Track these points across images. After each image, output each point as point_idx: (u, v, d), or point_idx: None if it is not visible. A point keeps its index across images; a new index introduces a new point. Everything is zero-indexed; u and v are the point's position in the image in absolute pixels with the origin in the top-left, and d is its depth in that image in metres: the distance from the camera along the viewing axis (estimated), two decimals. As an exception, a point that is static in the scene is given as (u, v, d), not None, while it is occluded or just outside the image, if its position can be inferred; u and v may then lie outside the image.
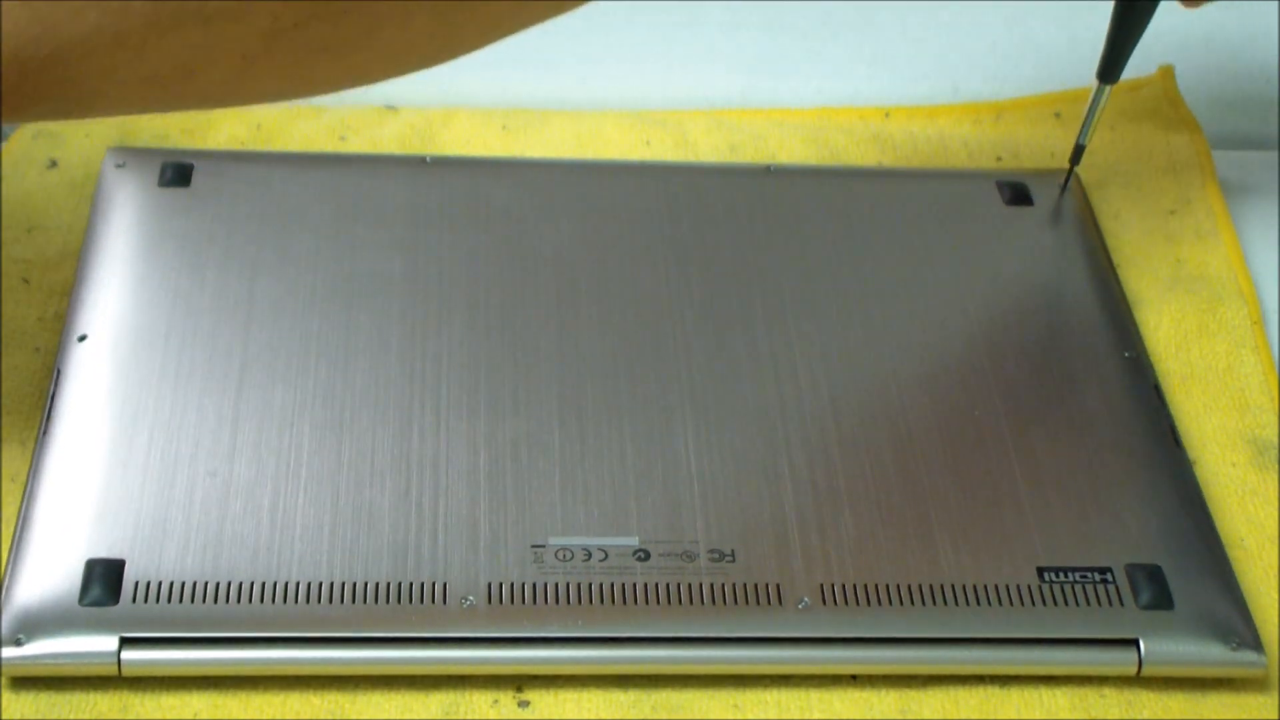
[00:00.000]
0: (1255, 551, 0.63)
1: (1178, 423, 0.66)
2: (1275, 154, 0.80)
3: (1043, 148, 0.79)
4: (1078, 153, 0.75)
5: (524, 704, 0.57)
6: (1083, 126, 0.74)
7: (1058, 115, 0.81)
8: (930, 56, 0.85)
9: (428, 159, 0.75)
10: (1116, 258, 0.74)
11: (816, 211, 0.73)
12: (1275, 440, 0.67)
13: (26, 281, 0.69)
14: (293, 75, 0.56)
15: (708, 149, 0.78)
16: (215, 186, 0.72)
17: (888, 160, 0.79)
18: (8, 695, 0.56)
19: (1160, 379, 0.68)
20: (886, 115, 0.81)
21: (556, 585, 0.58)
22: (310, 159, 0.75)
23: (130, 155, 0.73)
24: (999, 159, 0.79)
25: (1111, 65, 0.71)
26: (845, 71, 0.83)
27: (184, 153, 0.73)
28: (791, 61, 0.83)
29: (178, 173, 0.72)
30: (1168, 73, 0.82)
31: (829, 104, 0.82)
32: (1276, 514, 0.64)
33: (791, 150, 0.78)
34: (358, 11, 0.53)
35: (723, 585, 0.58)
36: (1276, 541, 0.63)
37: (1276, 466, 0.66)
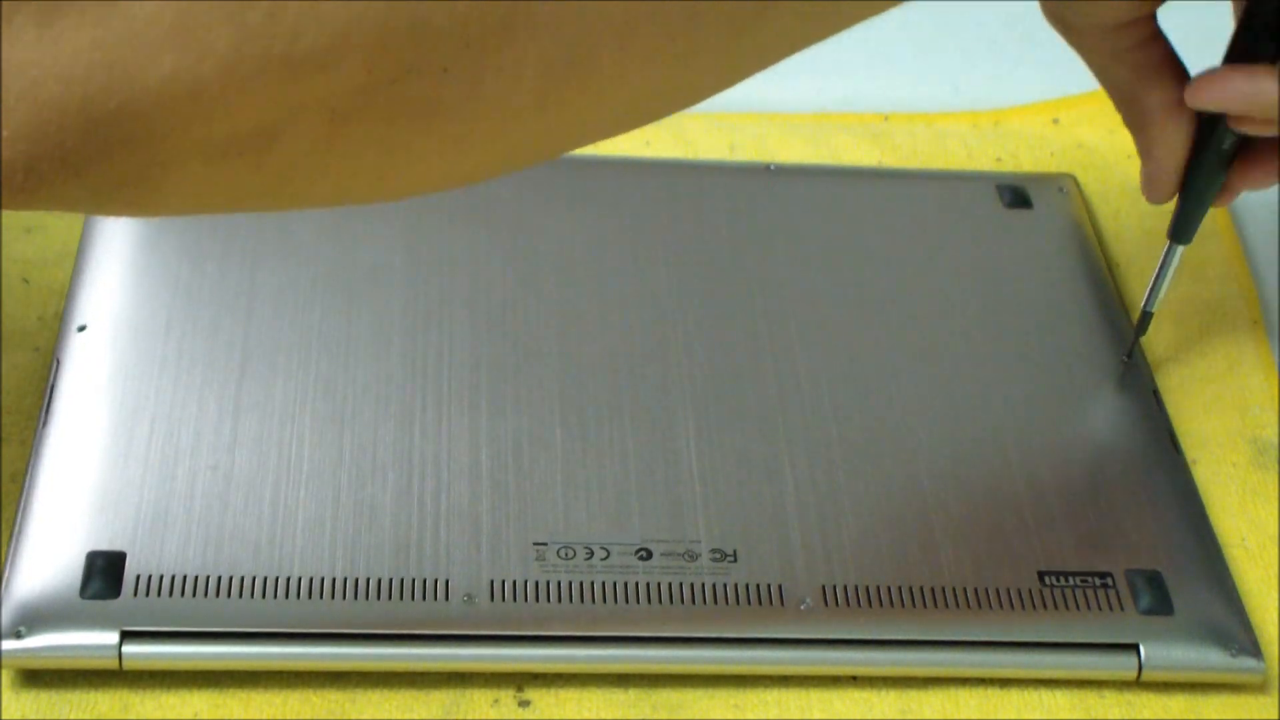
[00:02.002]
0: (1256, 551, 0.63)
1: (1177, 423, 0.67)
2: (1274, 155, 0.81)
3: (1042, 150, 0.79)
4: (1144, 321, 0.68)
5: (524, 703, 0.57)
6: (1149, 292, 0.67)
7: (1056, 121, 0.81)
8: (930, 57, 0.85)
9: (429, 153, 0.75)
10: (1116, 258, 0.74)
11: (816, 211, 0.73)
12: (1275, 440, 0.67)
13: (26, 281, 0.69)
14: (387, 145, 0.46)
15: (707, 149, 0.78)
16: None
17: (887, 161, 0.79)
18: (9, 693, 0.55)
19: (1160, 379, 0.68)
20: (885, 119, 0.81)
21: (558, 584, 0.57)
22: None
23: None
24: (998, 159, 0.79)
25: (1185, 226, 0.65)
26: (846, 72, 0.83)
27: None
28: (792, 62, 0.82)
29: (177, 163, 0.72)
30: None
31: (829, 106, 0.82)
32: (1277, 514, 0.65)
33: (791, 150, 0.78)
34: (460, 66, 0.44)
35: (724, 585, 0.58)
36: (1277, 542, 0.63)
37: (1276, 466, 0.66)
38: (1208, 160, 0.62)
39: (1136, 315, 0.70)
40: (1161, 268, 0.66)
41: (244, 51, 0.42)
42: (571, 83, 0.46)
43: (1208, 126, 0.62)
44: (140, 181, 0.44)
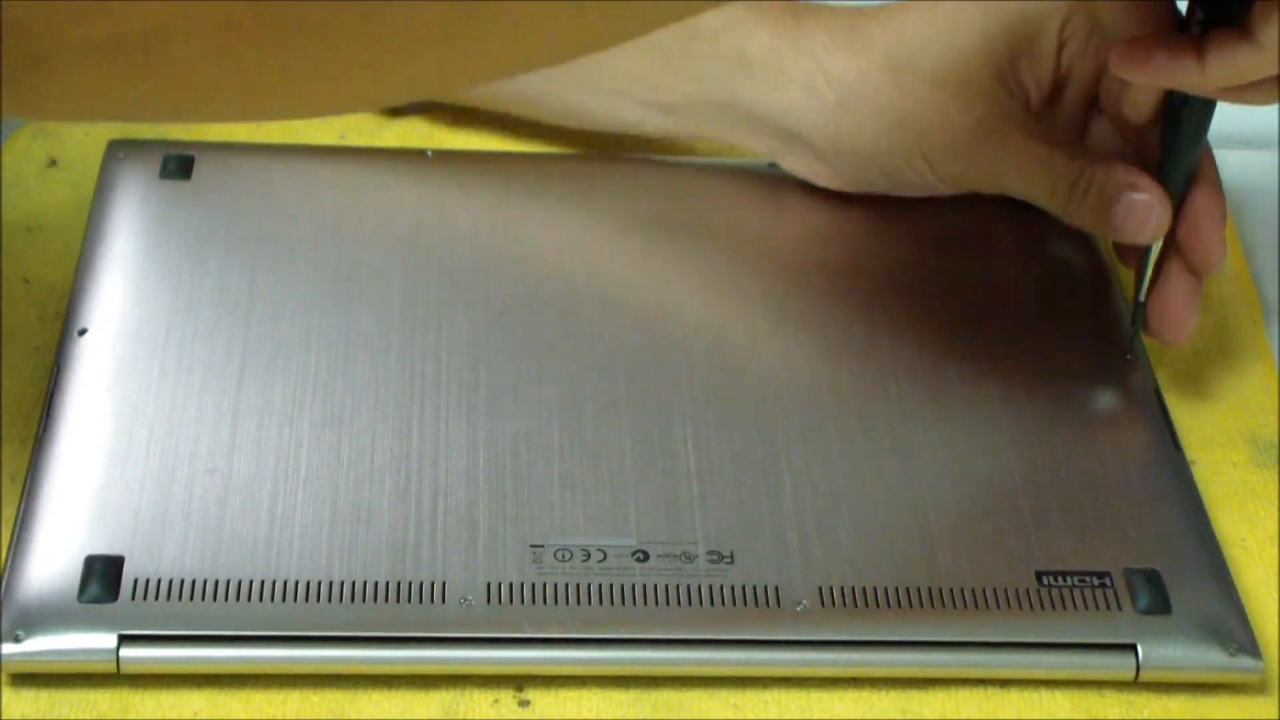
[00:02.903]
0: (1255, 551, 0.63)
1: (1177, 423, 0.66)
2: (1275, 154, 0.80)
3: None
4: (1139, 311, 0.67)
5: (524, 703, 0.57)
6: (1139, 281, 0.67)
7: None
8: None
9: (429, 153, 0.75)
10: (1116, 258, 0.74)
11: (816, 210, 0.73)
12: (1275, 440, 0.67)
13: (26, 281, 0.69)
14: (283, 65, 0.45)
15: (708, 148, 0.77)
16: (217, 179, 0.72)
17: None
18: (8, 694, 0.56)
19: (1160, 379, 0.68)
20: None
21: (555, 586, 0.58)
22: (313, 152, 0.75)
23: (131, 148, 0.73)
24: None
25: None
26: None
27: (186, 145, 0.73)
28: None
29: (179, 165, 0.72)
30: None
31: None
32: (1276, 514, 0.64)
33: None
34: None
35: (721, 587, 0.58)
36: (1276, 541, 0.63)
37: (1276, 466, 0.66)
38: (1170, 128, 0.63)
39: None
40: (1147, 253, 0.65)
41: None
42: (478, 15, 0.44)
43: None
44: (28, 77, 0.43)
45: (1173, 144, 0.64)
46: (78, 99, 0.45)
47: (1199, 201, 0.65)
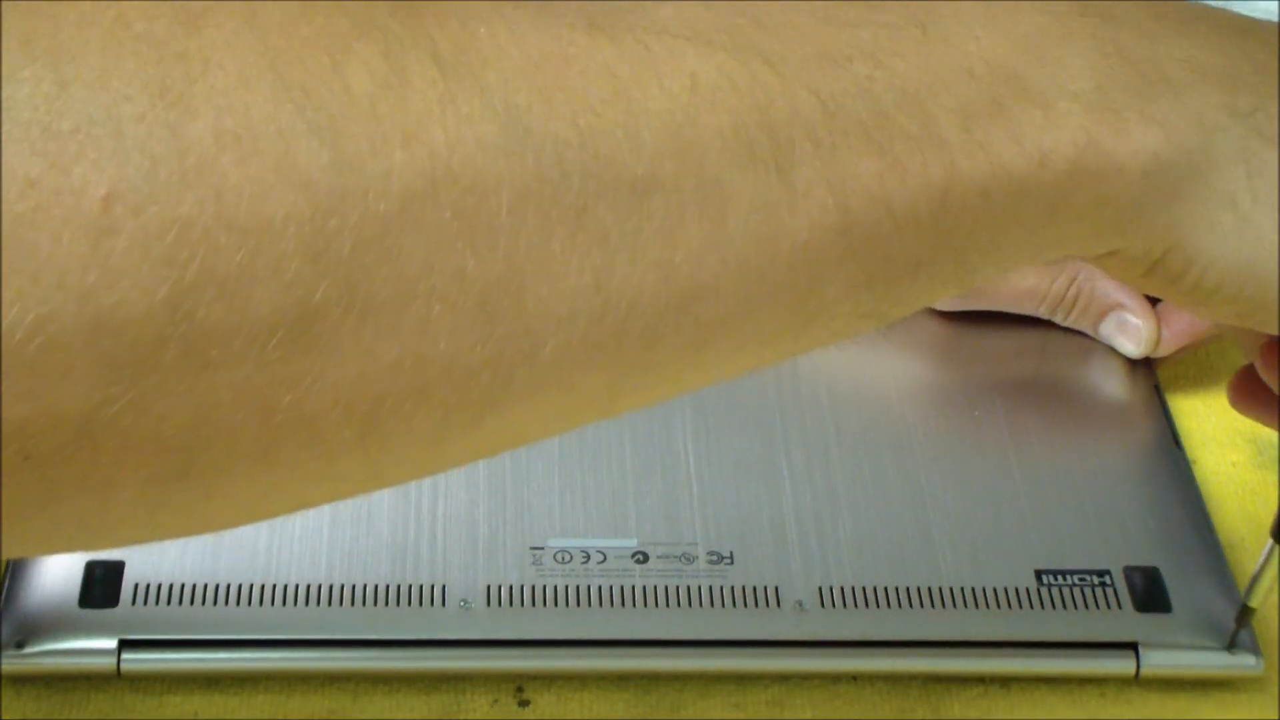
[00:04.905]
0: (1255, 551, 0.63)
1: (1177, 422, 0.66)
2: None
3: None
4: (1244, 614, 0.59)
5: (524, 703, 0.57)
6: (1251, 586, 0.58)
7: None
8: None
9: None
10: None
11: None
12: (1275, 440, 0.67)
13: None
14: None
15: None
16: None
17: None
18: (8, 695, 0.56)
19: (1160, 378, 0.68)
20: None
21: (555, 587, 0.58)
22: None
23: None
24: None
25: None
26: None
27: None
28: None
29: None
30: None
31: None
32: (1276, 514, 0.64)
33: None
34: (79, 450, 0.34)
35: (721, 588, 0.58)
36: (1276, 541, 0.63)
37: (1276, 466, 0.66)
38: None
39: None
40: (1264, 564, 0.58)
41: None
42: (184, 495, 0.36)
43: None
44: None
45: None
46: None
47: None
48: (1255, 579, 0.57)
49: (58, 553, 0.39)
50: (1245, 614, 0.58)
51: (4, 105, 0.32)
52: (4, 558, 0.39)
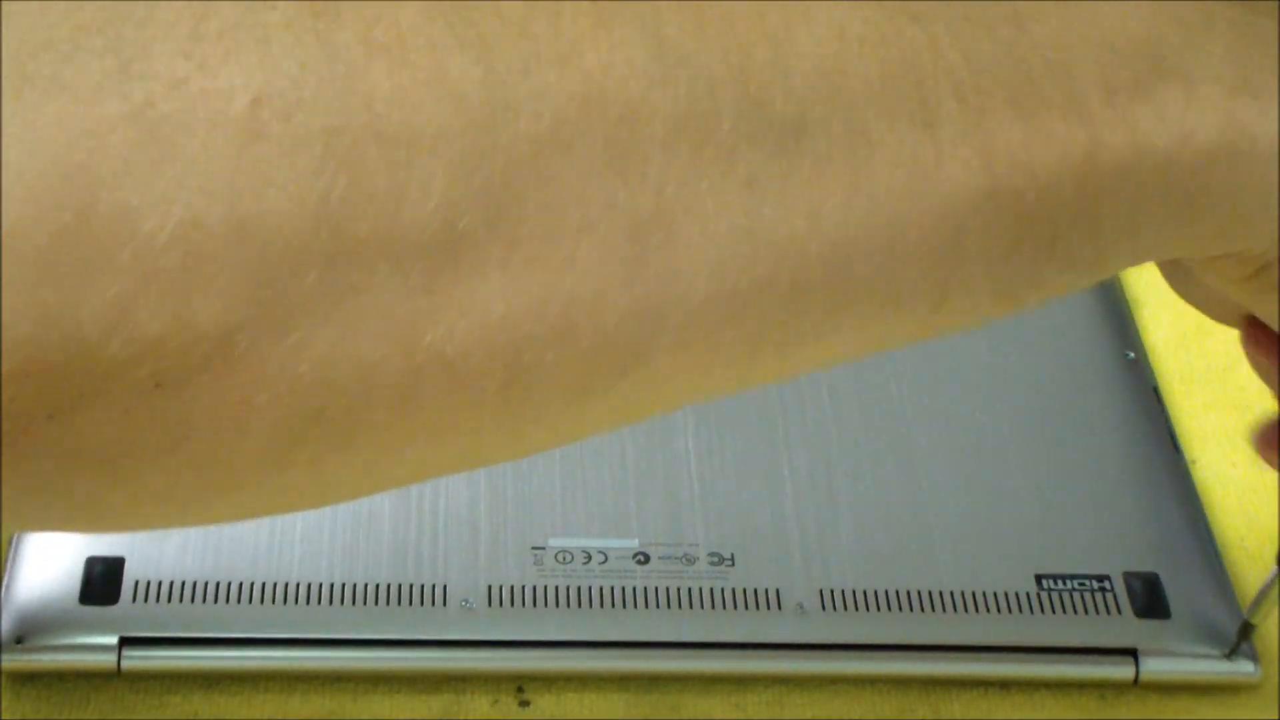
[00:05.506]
0: (1255, 552, 0.63)
1: (1177, 423, 0.66)
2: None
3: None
4: (1245, 630, 0.59)
5: (525, 703, 0.57)
6: (1254, 604, 0.58)
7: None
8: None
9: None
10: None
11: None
12: (1274, 441, 0.67)
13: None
14: (60, 482, 0.34)
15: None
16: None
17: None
18: (8, 693, 0.56)
19: (1160, 379, 0.68)
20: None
21: (556, 588, 0.58)
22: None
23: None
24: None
25: None
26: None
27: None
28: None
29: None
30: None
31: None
32: (1276, 515, 0.64)
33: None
34: (147, 408, 0.32)
35: (722, 589, 0.58)
36: (1276, 542, 0.63)
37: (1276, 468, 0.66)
38: None
39: (1137, 312, 0.70)
40: (1268, 587, 0.58)
41: None
42: (316, 444, 0.35)
43: None
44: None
45: None
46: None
47: None
48: (1259, 599, 0.57)
49: (179, 523, 0.36)
50: (1246, 630, 0.58)
51: (150, 8, 0.31)
52: (126, 520, 0.36)
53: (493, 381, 0.34)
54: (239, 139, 0.31)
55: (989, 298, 0.39)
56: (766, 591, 0.58)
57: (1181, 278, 0.50)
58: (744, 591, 0.58)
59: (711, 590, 0.58)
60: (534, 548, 0.59)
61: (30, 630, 0.55)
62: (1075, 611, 0.59)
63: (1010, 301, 0.39)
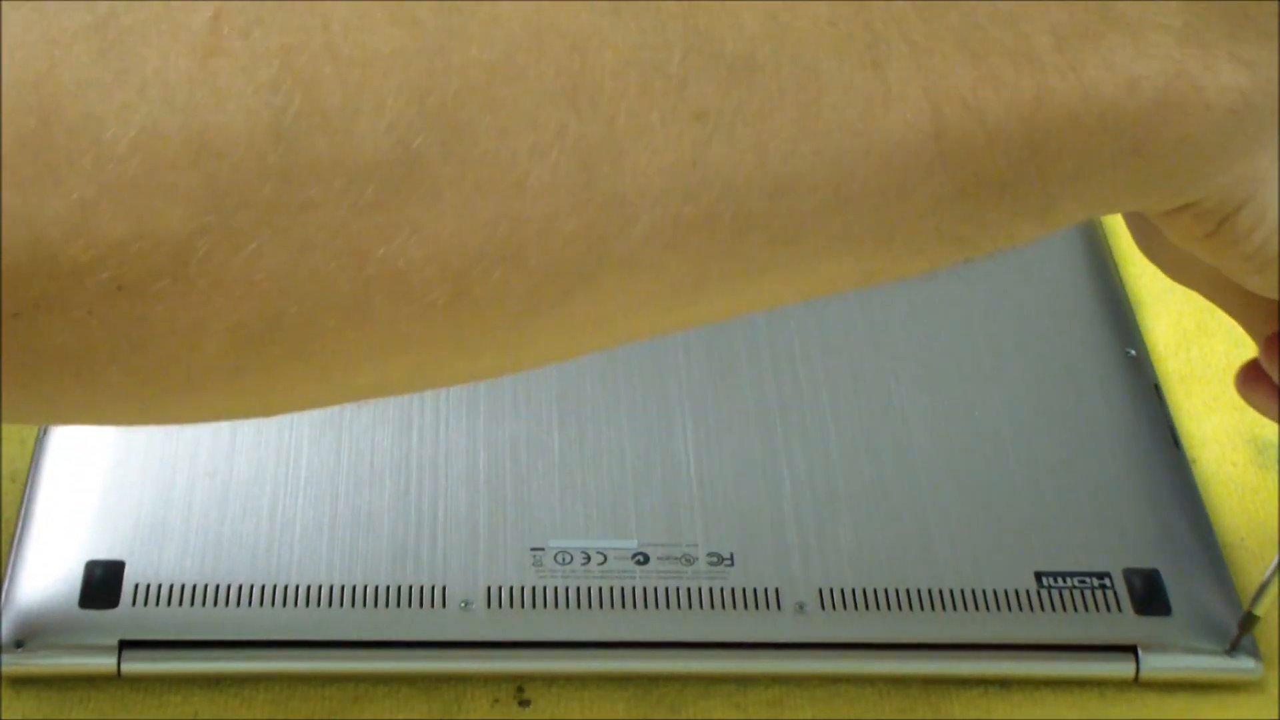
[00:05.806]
0: (1255, 552, 0.63)
1: (1178, 422, 0.66)
2: (1277, 151, 0.80)
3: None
4: (1248, 621, 0.58)
5: (525, 703, 0.57)
6: (1257, 595, 0.58)
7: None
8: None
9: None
10: (1117, 256, 0.74)
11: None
12: (1275, 440, 0.67)
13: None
14: (32, 381, 0.35)
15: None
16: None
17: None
18: (8, 695, 0.56)
19: (1160, 378, 0.68)
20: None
21: (555, 589, 0.58)
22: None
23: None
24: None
25: None
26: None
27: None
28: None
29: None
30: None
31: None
32: (1276, 514, 0.64)
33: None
34: (110, 311, 0.34)
35: (721, 589, 0.58)
36: (1276, 542, 0.63)
37: (1276, 466, 0.66)
38: None
39: (1138, 311, 0.70)
40: (1272, 575, 0.57)
41: None
42: (271, 350, 0.35)
43: None
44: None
45: None
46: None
47: None
48: (1262, 589, 0.57)
49: (139, 420, 0.38)
50: (1249, 621, 0.58)
51: None
52: (85, 415, 0.38)
53: (442, 295, 0.35)
54: (199, 53, 0.32)
55: (935, 240, 0.39)
56: (766, 591, 0.58)
57: (1148, 239, 0.50)
58: (743, 591, 0.58)
59: (711, 590, 0.58)
60: (533, 549, 0.59)
61: (30, 634, 0.55)
62: (1075, 609, 0.58)
63: (958, 246, 0.40)
